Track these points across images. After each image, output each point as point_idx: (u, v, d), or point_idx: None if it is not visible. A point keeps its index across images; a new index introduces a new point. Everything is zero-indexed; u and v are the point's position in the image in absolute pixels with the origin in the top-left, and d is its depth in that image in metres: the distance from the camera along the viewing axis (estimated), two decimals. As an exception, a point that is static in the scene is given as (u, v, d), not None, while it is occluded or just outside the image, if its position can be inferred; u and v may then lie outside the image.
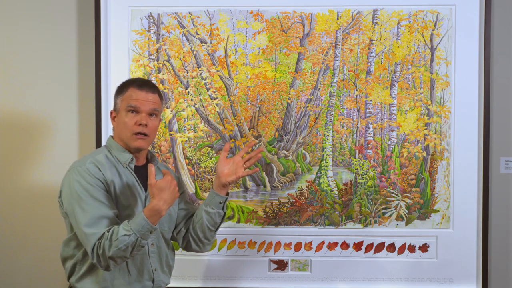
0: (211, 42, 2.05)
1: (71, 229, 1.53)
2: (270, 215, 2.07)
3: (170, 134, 2.07)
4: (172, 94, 2.06)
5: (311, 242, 2.07)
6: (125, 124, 1.52)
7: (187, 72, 2.06)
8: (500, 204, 2.07)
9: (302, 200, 2.07)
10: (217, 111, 2.07)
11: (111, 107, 1.60)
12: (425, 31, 2.03)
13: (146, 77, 2.05)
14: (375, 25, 2.04)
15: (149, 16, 2.05)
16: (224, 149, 1.62)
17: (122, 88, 1.56)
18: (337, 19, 2.04)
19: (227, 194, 1.61)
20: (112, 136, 1.59)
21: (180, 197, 1.64)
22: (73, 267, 1.54)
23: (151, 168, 1.43)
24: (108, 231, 1.41)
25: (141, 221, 1.39)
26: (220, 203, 1.59)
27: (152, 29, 2.06)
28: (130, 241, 1.37)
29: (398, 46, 2.04)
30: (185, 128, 2.07)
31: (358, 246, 2.07)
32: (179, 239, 1.65)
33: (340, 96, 2.05)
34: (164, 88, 2.06)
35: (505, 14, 2.05)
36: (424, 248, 2.06)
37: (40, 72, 2.11)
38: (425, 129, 2.04)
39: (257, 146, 2.07)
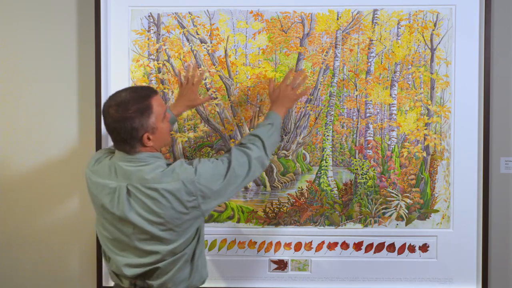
0: (211, 42, 2.05)
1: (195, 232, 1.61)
2: (270, 215, 2.07)
3: (170, 134, 2.07)
4: (172, 94, 2.06)
5: (311, 242, 2.07)
6: (168, 128, 1.60)
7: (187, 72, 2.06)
8: (500, 204, 2.08)
9: (302, 200, 2.07)
10: (217, 111, 2.07)
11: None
12: (425, 31, 2.03)
13: (146, 77, 2.05)
14: (375, 25, 2.04)
15: (149, 16, 2.05)
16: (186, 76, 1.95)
17: (146, 106, 1.51)
18: (337, 19, 2.04)
19: None
20: (148, 155, 1.55)
21: None
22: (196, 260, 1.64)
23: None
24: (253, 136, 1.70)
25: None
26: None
27: (152, 29, 2.06)
28: None
29: (398, 46, 2.04)
30: (185, 128, 2.07)
31: (358, 246, 2.07)
32: None
33: (340, 96, 2.05)
34: (164, 88, 2.06)
35: (505, 14, 2.05)
36: (424, 248, 2.06)
37: (40, 72, 2.11)
38: (425, 129, 2.04)
39: None
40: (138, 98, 1.51)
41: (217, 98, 2.06)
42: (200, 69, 2.03)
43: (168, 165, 1.56)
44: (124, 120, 1.49)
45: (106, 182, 1.56)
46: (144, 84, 2.04)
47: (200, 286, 1.68)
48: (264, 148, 1.68)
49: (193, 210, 1.54)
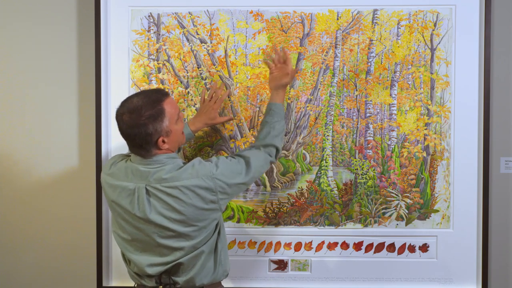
0: (211, 42, 2.05)
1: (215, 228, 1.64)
2: (270, 215, 2.07)
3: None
4: (172, 94, 2.06)
5: (311, 242, 2.07)
6: (181, 128, 1.62)
7: (187, 72, 2.06)
8: (500, 204, 2.08)
9: (302, 200, 2.07)
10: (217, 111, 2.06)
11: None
12: (425, 31, 2.03)
13: (146, 77, 2.06)
14: (375, 25, 2.04)
15: (149, 16, 2.05)
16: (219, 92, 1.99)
17: (158, 110, 1.52)
18: (337, 19, 2.04)
19: None
20: (164, 156, 1.57)
21: None
22: (221, 254, 1.68)
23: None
24: (270, 146, 1.73)
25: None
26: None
27: (152, 29, 2.06)
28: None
29: (398, 46, 2.04)
30: (185, 128, 2.07)
31: (358, 246, 2.07)
32: None
33: (340, 96, 2.05)
34: (164, 88, 2.06)
35: (505, 14, 2.05)
36: (424, 248, 2.06)
37: (40, 72, 2.11)
38: (425, 129, 2.04)
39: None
40: (150, 103, 1.52)
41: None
42: (225, 89, 2.03)
43: (185, 163, 1.58)
44: (138, 126, 1.50)
45: (124, 184, 1.56)
46: (140, 89, 2.04)
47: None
48: (277, 156, 1.77)
49: (212, 205, 1.56)
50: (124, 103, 1.56)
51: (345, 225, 2.07)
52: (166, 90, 2.05)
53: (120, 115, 1.54)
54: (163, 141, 1.54)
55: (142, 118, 1.50)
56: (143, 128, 1.50)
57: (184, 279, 1.60)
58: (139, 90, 2.04)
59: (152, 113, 1.51)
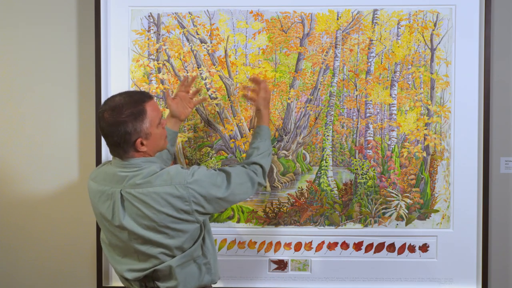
0: (211, 42, 2.05)
1: (200, 229, 1.61)
2: (270, 215, 2.07)
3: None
4: (172, 95, 2.06)
5: (311, 242, 2.07)
6: (162, 134, 1.58)
7: (187, 72, 2.06)
8: (500, 204, 2.08)
9: (302, 200, 2.07)
10: (217, 111, 2.07)
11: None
12: (425, 31, 2.03)
13: (146, 77, 2.05)
14: (375, 25, 2.04)
15: (149, 16, 2.05)
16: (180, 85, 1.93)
17: (140, 110, 1.51)
18: (337, 19, 2.04)
19: None
20: (142, 160, 1.54)
21: None
22: (205, 264, 1.64)
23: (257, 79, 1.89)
24: (254, 163, 1.70)
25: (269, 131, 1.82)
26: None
27: (152, 29, 2.06)
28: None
29: (398, 46, 2.04)
30: (185, 128, 2.07)
31: (358, 246, 2.07)
32: None
33: (340, 96, 2.05)
34: (164, 88, 2.06)
35: (505, 14, 2.05)
36: (424, 248, 2.06)
37: (39, 72, 2.11)
38: (425, 129, 2.04)
39: None
40: (132, 102, 1.51)
41: (217, 98, 2.05)
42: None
43: (162, 169, 1.55)
44: (118, 124, 1.48)
45: (103, 188, 1.56)
46: (140, 88, 2.04)
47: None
48: (264, 176, 1.72)
49: (186, 215, 1.52)
50: (107, 101, 1.54)
51: (345, 225, 2.07)
52: (166, 90, 2.05)
53: (101, 113, 1.52)
54: (142, 143, 1.51)
55: (122, 116, 1.48)
56: (123, 126, 1.48)
57: (166, 285, 1.58)
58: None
59: (133, 112, 1.49)
